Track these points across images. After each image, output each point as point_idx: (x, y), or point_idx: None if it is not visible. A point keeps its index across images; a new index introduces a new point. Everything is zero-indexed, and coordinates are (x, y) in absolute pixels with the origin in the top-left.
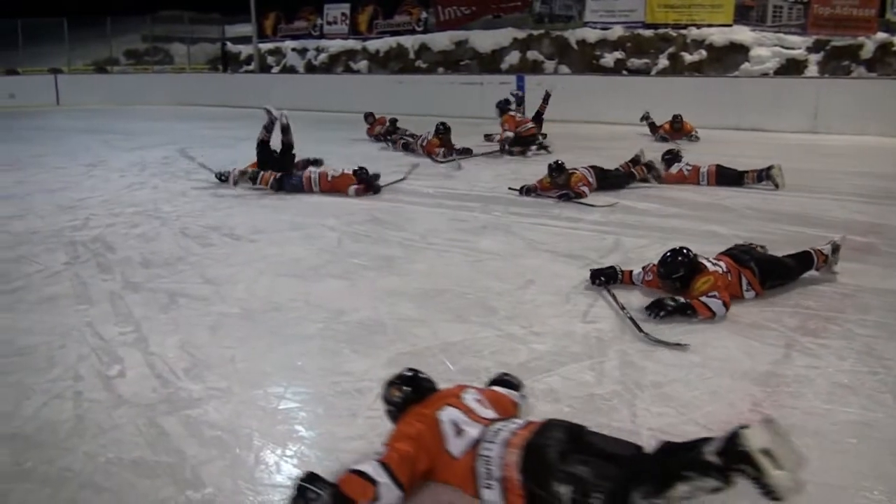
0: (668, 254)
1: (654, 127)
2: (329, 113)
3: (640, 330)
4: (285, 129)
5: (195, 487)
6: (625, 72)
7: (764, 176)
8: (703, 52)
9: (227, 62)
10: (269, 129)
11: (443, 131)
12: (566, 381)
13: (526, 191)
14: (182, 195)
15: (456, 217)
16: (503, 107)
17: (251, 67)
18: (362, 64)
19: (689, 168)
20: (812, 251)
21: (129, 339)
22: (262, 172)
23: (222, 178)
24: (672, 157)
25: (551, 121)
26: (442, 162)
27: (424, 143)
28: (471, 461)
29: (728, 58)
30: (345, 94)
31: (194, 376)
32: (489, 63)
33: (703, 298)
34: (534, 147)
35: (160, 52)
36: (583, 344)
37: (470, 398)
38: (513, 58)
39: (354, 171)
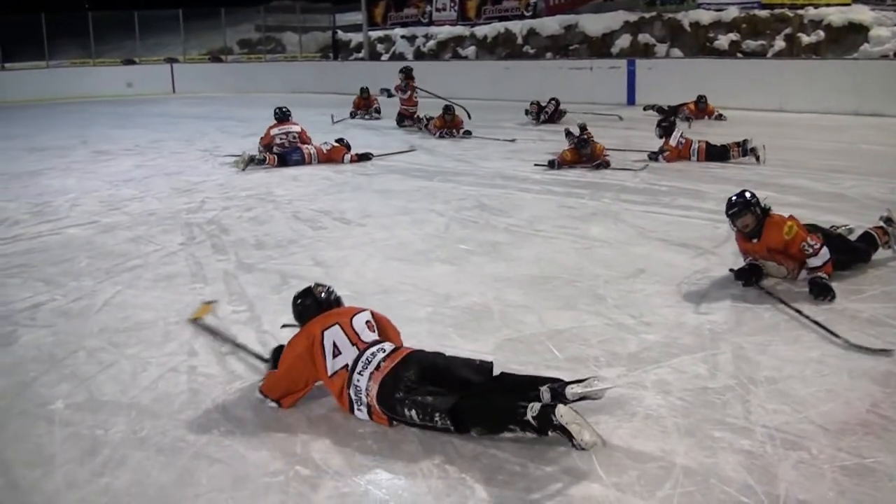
0: (730, 197)
1: (663, 111)
2: (436, 100)
3: (837, 336)
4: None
5: (304, 463)
6: (739, 54)
7: (748, 150)
8: (821, 33)
9: (337, 50)
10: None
11: (445, 113)
12: (678, 373)
13: (557, 165)
14: (294, 179)
15: (564, 204)
16: (407, 72)
17: (361, 55)
18: (470, 50)
19: (682, 141)
20: (871, 231)
21: (243, 317)
22: (266, 154)
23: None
24: (669, 126)
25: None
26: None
27: (430, 123)
28: (342, 384)
29: (846, 39)
30: (452, 80)
31: None
32: (599, 47)
33: (817, 261)
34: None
35: (272, 41)
36: (695, 335)
37: (360, 321)
38: (623, 41)
39: (339, 141)
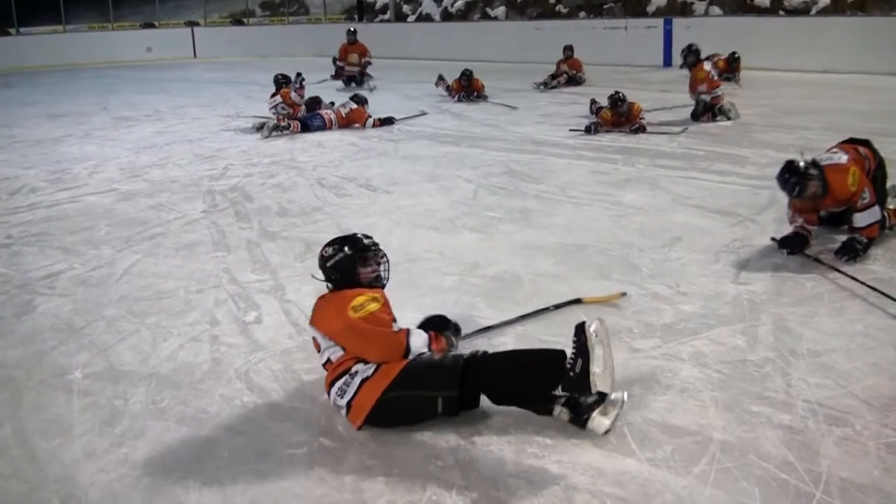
0: (780, 176)
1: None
2: (464, 62)
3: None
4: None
5: (328, 435)
6: (781, 12)
7: (716, 112)
8: None
9: (362, 12)
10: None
11: (462, 76)
12: (715, 345)
13: (594, 129)
14: (318, 146)
15: (597, 169)
16: (352, 36)
17: (387, 17)
18: (500, 10)
19: (716, 73)
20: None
21: (266, 286)
22: (290, 122)
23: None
24: (695, 52)
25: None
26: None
27: (450, 86)
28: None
29: None
30: (480, 42)
31: None
32: (634, 6)
33: (861, 221)
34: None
35: (296, 2)
36: (734, 306)
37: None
38: None
39: (355, 99)
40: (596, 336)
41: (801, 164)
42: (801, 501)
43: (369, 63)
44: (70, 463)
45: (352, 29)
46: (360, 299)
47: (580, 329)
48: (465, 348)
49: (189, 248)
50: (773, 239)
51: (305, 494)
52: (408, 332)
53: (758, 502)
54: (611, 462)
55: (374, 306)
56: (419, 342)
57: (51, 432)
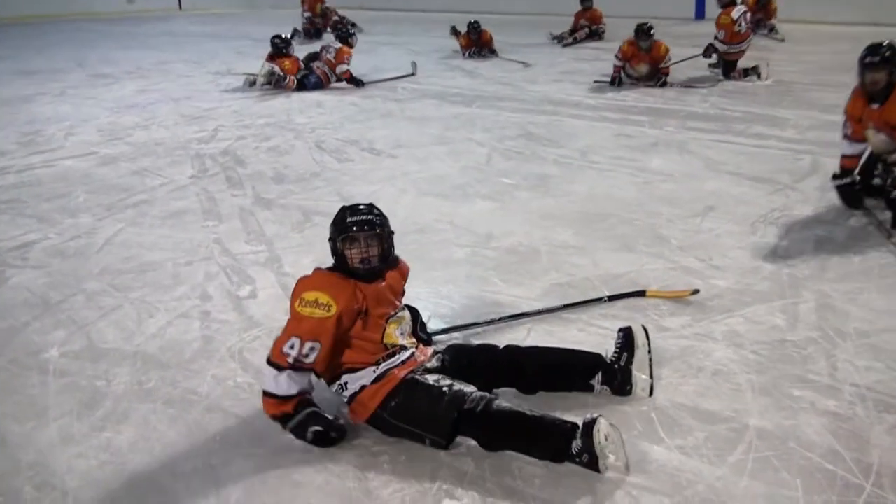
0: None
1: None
2: (475, 14)
3: None
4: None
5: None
6: None
7: (748, 70)
8: None
9: None
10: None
11: (470, 30)
12: (752, 323)
13: (618, 81)
14: (317, 105)
15: (622, 132)
16: None
17: None
18: None
19: (744, 24)
20: None
21: (261, 258)
22: (288, 77)
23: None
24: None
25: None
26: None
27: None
28: None
29: None
30: None
31: None
32: None
33: None
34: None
35: None
36: (772, 281)
37: None
38: None
39: (341, 37)
40: (606, 440)
41: (890, 53)
42: (849, 494)
43: (328, 9)
44: (45, 448)
45: None
46: (312, 295)
47: (588, 430)
48: (490, 335)
49: (177, 216)
50: (833, 176)
51: (305, 482)
52: (277, 373)
53: (800, 494)
54: (637, 450)
55: (318, 313)
56: (271, 386)
57: (24, 415)
